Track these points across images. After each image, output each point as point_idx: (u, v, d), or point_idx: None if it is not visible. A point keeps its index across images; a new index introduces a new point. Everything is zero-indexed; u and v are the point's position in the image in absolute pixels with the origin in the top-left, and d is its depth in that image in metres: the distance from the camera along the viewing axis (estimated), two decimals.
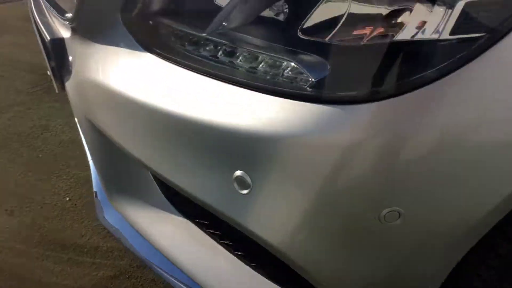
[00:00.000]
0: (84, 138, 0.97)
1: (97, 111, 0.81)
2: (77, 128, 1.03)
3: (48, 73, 1.00)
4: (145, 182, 0.86)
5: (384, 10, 0.56)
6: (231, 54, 0.66)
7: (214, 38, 0.66)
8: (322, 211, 0.63)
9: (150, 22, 0.74)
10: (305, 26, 0.59)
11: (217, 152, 0.66)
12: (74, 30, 0.85)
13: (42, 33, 0.95)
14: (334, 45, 0.59)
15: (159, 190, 0.87)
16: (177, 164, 0.72)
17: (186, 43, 0.70)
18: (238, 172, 0.64)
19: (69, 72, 0.90)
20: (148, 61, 0.73)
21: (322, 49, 0.60)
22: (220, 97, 0.65)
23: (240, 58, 0.66)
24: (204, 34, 0.66)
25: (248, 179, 0.63)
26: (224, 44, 0.66)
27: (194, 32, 0.69)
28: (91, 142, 0.93)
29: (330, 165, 0.59)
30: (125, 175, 0.88)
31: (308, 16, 0.59)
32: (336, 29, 0.58)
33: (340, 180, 0.60)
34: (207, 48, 0.68)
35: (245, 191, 0.64)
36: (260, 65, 0.64)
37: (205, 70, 0.67)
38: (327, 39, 0.58)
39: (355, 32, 0.57)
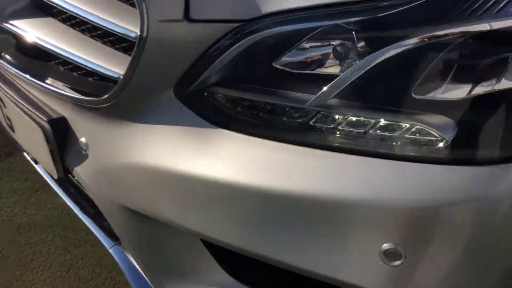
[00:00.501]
0: (114, 226, 0.85)
1: (145, 195, 0.73)
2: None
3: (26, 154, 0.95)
4: (202, 261, 0.79)
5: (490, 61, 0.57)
6: (336, 122, 0.62)
7: (315, 108, 0.62)
8: (485, 273, 0.62)
9: (220, 95, 0.66)
10: (418, 85, 0.57)
11: (359, 226, 0.61)
12: (99, 110, 0.74)
13: (22, 108, 0.83)
14: (458, 102, 0.58)
15: (220, 268, 0.79)
16: (288, 242, 0.65)
17: (280, 114, 0.64)
18: (387, 245, 0.60)
19: (79, 156, 0.80)
20: (226, 137, 0.66)
21: (444, 108, 0.58)
22: (340, 169, 0.61)
23: (355, 125, 0.62)
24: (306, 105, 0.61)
25: (401, 250, 0.60)
26: (325, 112, 0.62)
27: (290, 104, 0.63)
28: (127, 229, 0.83)
29: (490, 227, 0.58)
30: (176, 256, 0.81)
31: (423, 75, 0.57)
32: (454, 84, 0.57)
33: (499, 243, 0.59)
34: (315, 119, 0.62)
35: (397, 263, 0.61)
36: (373, 130, 0.61)
37: (316, 143, 0.62)
38: (447, 96, 0.58)
39: (475, 87, 0.57)
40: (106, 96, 0.70)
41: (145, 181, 0.72)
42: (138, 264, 0.85)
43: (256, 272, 0.75)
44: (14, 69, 0.86)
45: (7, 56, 0.89)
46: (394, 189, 0.58)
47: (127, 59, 0.67)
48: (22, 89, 0.87)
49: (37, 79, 0.82)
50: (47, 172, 0.90)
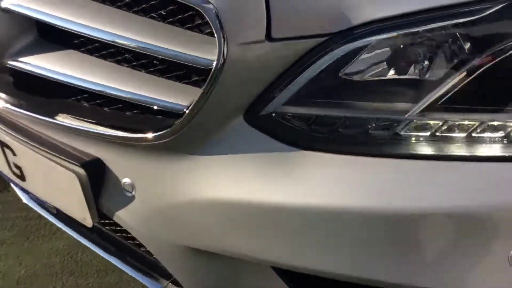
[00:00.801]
0: (170, 267, 0.77)
1: (217, 231, 0.67)
2: None
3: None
4: None
5: None
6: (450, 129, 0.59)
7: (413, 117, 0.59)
8: None
9: (293, 114, 0.61)
10: None
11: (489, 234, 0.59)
12: (147, 147, 0.67)
13: (43, 154, 0.74)
14: None
15: None
16: (402, 261, 0.61)
17: (366, 127, 0.60)
18: None
19: (121, 198, 0.72)
20: (310, 158, 0.61)
21: None
22: (462, 179, 0.59)
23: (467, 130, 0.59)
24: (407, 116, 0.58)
25: None
26: (420, 119, 0.59)
27: (382, 115, 0.60)
28: (189, 269, 0.76)
29: None
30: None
31: None
32: None
33: None
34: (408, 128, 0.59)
35: None
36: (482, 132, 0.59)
37: (413, 153, 0.60)
38: None
39: None
40: (162, 132, 0.63)
41: (217, 216, 0.66)
42: None
43: None
44: (24, 111, 0.75)
45: (9, 97, 0.78)
46: None
47: (190, 89, 0.61)
48: (37, 133, 0.77)
49: (59, 120, 0.72)
50: (77, 220, 0.79)
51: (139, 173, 0.70)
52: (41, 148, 0.74)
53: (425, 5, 0.55)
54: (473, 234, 0.58)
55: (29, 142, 0.75)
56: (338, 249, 0.62)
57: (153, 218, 0.71)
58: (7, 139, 0.78)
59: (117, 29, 0.62)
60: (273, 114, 0.62)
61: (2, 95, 0.77)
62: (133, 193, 0.71)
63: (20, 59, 0.72)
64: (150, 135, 0.64)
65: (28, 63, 0.71)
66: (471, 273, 0.60)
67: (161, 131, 0.63)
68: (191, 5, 0.57)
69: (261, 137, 0.63)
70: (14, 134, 0.77)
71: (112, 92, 0.64)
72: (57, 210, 0.88)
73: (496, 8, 0.53)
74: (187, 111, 0.60)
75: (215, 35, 0.54)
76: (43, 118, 0.73)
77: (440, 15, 0.55)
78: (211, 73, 0.56)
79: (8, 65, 0.74)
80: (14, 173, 0.84)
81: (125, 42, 0.61)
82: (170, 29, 0.61)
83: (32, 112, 0.74)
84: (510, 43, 0.54)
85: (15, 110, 0.76)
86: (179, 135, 0.62)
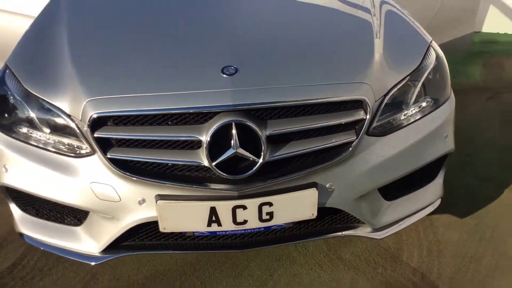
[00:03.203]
0: (352, 212, 1.67)
1: (368, 185, 1.63)
2: None
3: None
4: None
5: None
6: None
7: None
8: None
9: None
10: None
11: None
12: None
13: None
14: None
15: None
16: None
17: None
18: None
19: (329, 193, 1.62)
20: None
21: None
22: None
23: None
24: None
25: None
26: None
27: None
28: (358, 206, 1.68)
29: None
30: None
31: None
32: None
33: None
34: None
35: None
36: None
37: None
38: None
39: None
40: (343, 156, 1.59)
41: (366, 177, 1.66)
42: None
43: None
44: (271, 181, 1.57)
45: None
46: None
47: (351, 132, 1.60)
48: (283, 187, 1.57)
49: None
50: (305, 218, 1.62)
51: (333, 178, 1.61)
52: (290, 191, 1.56)
53: None
54: None
55: (284, 193, 1.56)
56: None
57: (343, 193, 1.63)
58: (271, 198, 1.56)
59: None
60: None
61: None
62: (333, 187, 1.62)
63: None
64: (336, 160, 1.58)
65: None
66: None
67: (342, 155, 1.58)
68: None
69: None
70: (276, 194, 1.55)
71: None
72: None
73: None
74: (353, 144, 1.57)
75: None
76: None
77: None
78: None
79: None
80: (263, 220, 1.60)
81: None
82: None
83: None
84: None
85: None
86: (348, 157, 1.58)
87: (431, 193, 1.91)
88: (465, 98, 3.67)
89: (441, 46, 3.38)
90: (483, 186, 2.50)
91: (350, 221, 1.75)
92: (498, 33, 5.49)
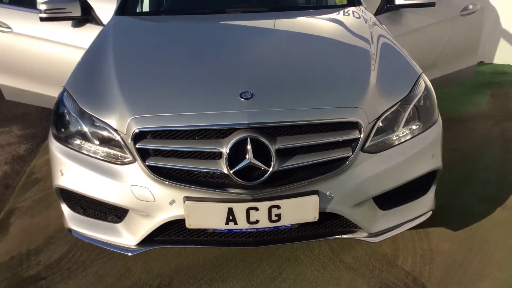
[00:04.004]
0: (350, 217, 1.94)
1: (366, 193, 1.93)
2: None
3: None
4: None
5: None
6: None
7: None
8: None
9: None
10: None
11: None
12: None
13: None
14: None
15: None
16: None
17: None
18: None
19: (328, 199, 1.90)
20: None
21: None
22: None
23: None
24: None
25: None
26: None
27: None
28: (357, 211, 1.91)
29: None
30: None
31: None
32: None
33: None
34: None
35: None
36: None
37: None
38: None
39: None
40: (341, 167, 1.89)
41: (366, 187, 1.95)
42: None
43: None
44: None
45: None
46: None
47: (347, 148, 1.90)
48: (294, 193, 1.88)
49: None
50: (308, 221, 1.91)
51: (332, 187, 1.91)
52: (295, 196, 1.86)
53: None
54: None
55: (290, 198, 1.86)
56: None
57: (342, 201, 1.92)
58: (279, 202, 1.86)
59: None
60: None
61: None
62: (332, 195, 1.91)
63: None
64: (335, 171, 1.88)
65: None
66: None
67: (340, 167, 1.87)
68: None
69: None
70: (283, 198, 1.86)
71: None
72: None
73: None
74: (350, 158, 1.87)
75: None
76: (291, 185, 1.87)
77: None
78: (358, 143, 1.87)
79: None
80: (272, 221, 1.90)
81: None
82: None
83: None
84: None
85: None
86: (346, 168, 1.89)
87: (423, 205, 2.17)
88: (471, 125, 3.92)
89: (446, 76, 3.70)
90: (478, 203, 2.74)
91: (348, 226, 2.03)
92: (509, 64, 5.73)
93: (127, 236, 2.01)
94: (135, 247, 2.01)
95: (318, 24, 2.85)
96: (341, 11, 2.98)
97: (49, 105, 3.61)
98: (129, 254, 2.05)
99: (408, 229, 2.14)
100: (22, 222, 2.74)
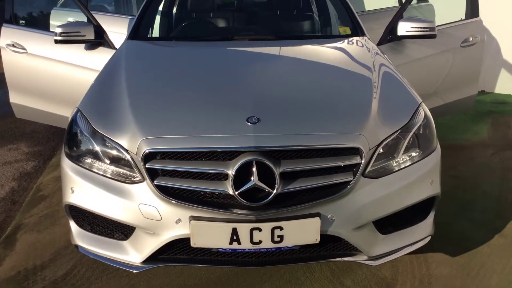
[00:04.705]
0: (350, 240, 1.99)
1: (368, 216, 1.99)
2: None
3: None
4: None
5: None
6: None
7: None
8: None
9: None
10: None
11: None
12: None
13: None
14: None
15: None
16: None
17: None
18: None
19: (329, 223, 1.94)
20: None
21: None
22: None
23: None
24: None
25: None
26: None
27: None
28: (356, 234, 1.97)
29: None
30: None
31: None
32: None
33: None
34: None
35: None
36: None
37: None
38: None
39: None
40: (342, 192, 1.95)
41: (367, 211, 2.01)
42: None
43: None
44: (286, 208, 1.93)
45: None
46: None
47: (348, 173, 1.97)
48: (296, 215, 1.94)
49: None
50: (309, 243, 1.96)
51: (334, 210, 1.97)
52: (297, 218, 1.92)
53: None
54: None
55: (292, 220, 1.92)
56: None
57: (342, 224, 1.98)
58: (282, 223, 1.92)
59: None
60: None
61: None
62: (334, 218, 1.97)
63: None
64: (336, 195, 1.94)
65: None
66: None
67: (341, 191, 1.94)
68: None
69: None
70: (286, 220, 1.92)
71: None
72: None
73: None
74: (351, 183, 1.94)
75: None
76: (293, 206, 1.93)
77: None
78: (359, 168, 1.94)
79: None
80: (274, 241, 1.95)
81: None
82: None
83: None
84: None
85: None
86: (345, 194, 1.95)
87: (422, 230, 2.22)
88: (471, 153, 3.99)
89: (447, 104, 3.79)
90: (476, 230, 2.79)
91: (349, 249, 2.07)
92: (509, 94, 5.83)
93: (133, 253, 2.06)
94: (140, 265, 2.06)
95: (323, 52, 2.96)
96: (345, 41, 3.09)
97: (59, 124, 3.72)
98: (134, 271, 2.10)
99: (407, 254, 2.18)
100: (29, 237, 2.80)
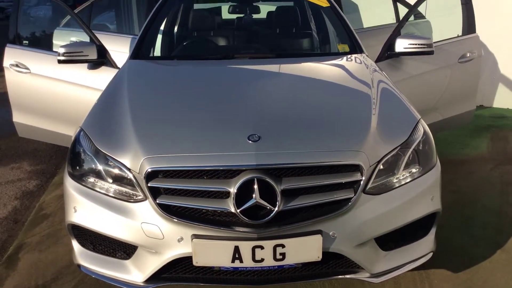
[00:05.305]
0: (352, 257, 1.99)
1: (370, 233, 2.00)
2: None
3: None
4: None
5: None
6: None
7: None
8: None
9: None
10: None
11: None
12: None
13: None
14: None
15: None
16: None
17: None
18: None
19: (331, 240, 1.96)
20: None
21: None
22: None
23: None
24: None
25: None
26: None
27: None
28: (359, 251, 1.98)
29: None
30: None
31: None
32: None
33: None
34: None
35: None
36: None
37: None
38: None
39: None
40: (343, 209, 1.96)
41: (368, 229, 2.02)
42: None
43: None
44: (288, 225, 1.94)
45: None
46: None
47: (349, 190, 1.98)
48: (298, 232, 1.95)
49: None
50: (311, 260, 1.96)
51: (335, 227, 1.98)
52: (299, 236, 1.93)
53: None
54: None
55: (294, 237, 1.93)
56: None
57: (344, 241, 1.98)
58: (284, 241, 1.92)
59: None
60: None
61: None
62: (335, 235, 1.98)
63: None
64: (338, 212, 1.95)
65: None
66: None
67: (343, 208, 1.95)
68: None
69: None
70: (288, 237, 1.92)
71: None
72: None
73: None
74: (352, 199, 1.95)
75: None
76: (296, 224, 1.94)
77: None
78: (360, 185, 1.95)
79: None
80: (277, 259, 1.96)
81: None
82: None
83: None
84: None
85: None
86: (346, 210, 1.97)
87: (424, 247, 2.23)
88: (470, 167, 4.01)
89: (446, 120, 3.81)
90: (478, 245, 2.79)
91: (351, 266, 2.08)
92: (508, 108, 5.87)
93: (135, 272, 2.07)
94: (142, 284, 2.06)
95: (322, 70, 3.00)
96: (344, 58, 3.14)
97: (62, 143, 3.74)
98: None
99: (409, 270, 2.18)
100: (31, 257, 2.80)
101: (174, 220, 1.93)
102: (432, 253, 2.26)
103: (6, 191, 3.81)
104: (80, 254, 2.21)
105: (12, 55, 3.66)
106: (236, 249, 1.92)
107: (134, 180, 2.00)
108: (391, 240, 2.13)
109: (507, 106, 5.89)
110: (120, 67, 3.14)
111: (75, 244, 2.23)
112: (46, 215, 3.34)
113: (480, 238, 2.87)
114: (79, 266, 2.22)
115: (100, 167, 2.10)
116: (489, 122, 5.32)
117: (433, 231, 2.25)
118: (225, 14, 4.71)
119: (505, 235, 2.90)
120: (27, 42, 3.99)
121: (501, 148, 4.51)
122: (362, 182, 1.97)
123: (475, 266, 2.59)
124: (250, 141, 1.99)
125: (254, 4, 4.50)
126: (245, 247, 1.92)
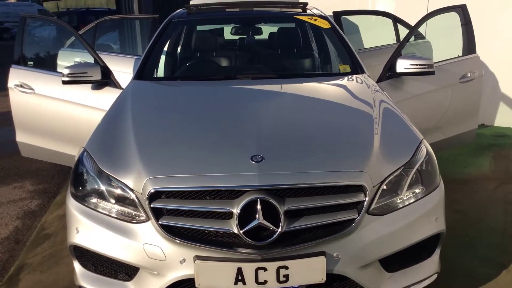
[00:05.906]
0: (357, 279, 1.97)
1: (376, 254, 1.99)
2: None
3: None
4: None
5: None
6: None
7: None
8: None
9: None
10: None
11: None
12: None
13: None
14: None
15: None
16: None
17: None
18: None
19: (336, 261, 1.94)
20: None
21: None
22: None
23: None
24: None
25: None
26: None
27: None
28: (364, 272, 1.95)
29: None
30: None
31: None
32: None
33: None
34: None
35: None
36: None
37: None
38: None
39: None
40: (346, 230, 1.95)
41: (375, 249, 2.01)
42: None
43: None
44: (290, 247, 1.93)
45: None
46: None
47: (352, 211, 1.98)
48: (300, 254, 1.93)
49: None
50: (315, 282, 1.94)
51: (339, 249, 1.96)
52: (303, 257, 1.92)
53: None
54: None
55: (298, 258, 1.91)
56: None
57: (348, 263, 1.97)
58: (287, 262, 1.91)
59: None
60: None
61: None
62: (339, 257, 1.97)
63: None
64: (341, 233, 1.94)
65: None
66: None
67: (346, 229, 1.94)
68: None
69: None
70: (291, 259, 1.91)
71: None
72: None
73: None
74: (356, 220, 1.94)
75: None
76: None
77: None
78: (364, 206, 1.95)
79: None
80: (280, 281, 1.94)
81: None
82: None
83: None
84: None
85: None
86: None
87: (428, 268, 2.22)
88: (473, 187, 4.00)
89: (448, 139, 3.82)
90: (482, 266, 2.77)
91: None
92: (509, 127, 5.87)
93: None
94: None
95: (324, 90, 3.02)
96: (345, 78, 3.16)
97: (65, 162, 3.75)
98: None
99: None
100: (32, 278, 2.78)
101: (177, 241, 1.92)
102: (436, 274, 2.24)
103: (8, 210, 3.81)
104: (82, 276, 2.20)
105: (16, 75, 3.70)
106: (239, 271, 1.91)
107: (137, 201, 2.00)
108: (395, 261, 2.12)
109: (508, 124, 5.90)
110: (124, 87, 3.17)
111: (77, 265, 2.22)
112: (47, 235, 3.33)
113: (485, 259, 2.85)
114: (80, 287, 2.20)
115: (103, 187, 2.11)
116: (490, 140, 5.32)
117: (437, 252, 2.24)
118: (228, 35, 4.77)
119: (509, 255, 2.88)
120: (31, 62, 4.04)
121: (503, 167, 4.51)
122: (365, 203, 1.96)
123: (480, 287, 2.56)
124: (253, 162, 2.00)
125: (256, 25, 4.56)
126: (248, 269, 1.90)
